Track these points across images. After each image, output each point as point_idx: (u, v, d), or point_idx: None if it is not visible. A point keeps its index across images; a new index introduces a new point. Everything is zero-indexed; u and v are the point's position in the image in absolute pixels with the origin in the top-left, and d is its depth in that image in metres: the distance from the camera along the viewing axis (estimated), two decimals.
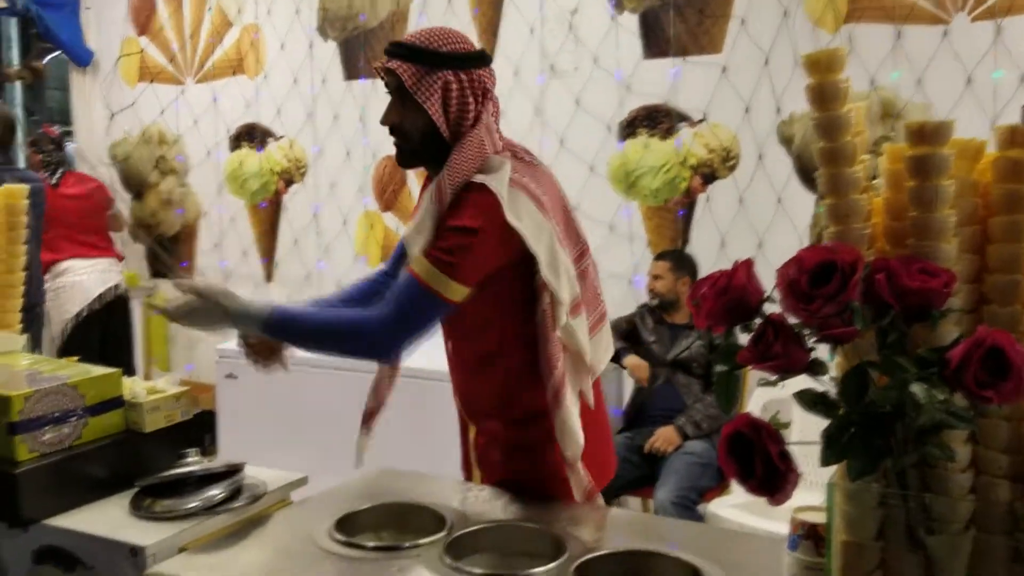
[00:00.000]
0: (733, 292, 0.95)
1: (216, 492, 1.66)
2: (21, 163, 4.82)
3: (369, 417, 1.92)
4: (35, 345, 2.59)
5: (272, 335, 1.74)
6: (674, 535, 1.65)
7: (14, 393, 1.60)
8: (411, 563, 1.50)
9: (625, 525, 1.77)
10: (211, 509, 1.63)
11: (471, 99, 1.68)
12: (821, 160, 1.05)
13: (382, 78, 1.72)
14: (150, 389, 1.81)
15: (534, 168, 1.74)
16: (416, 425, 2.92)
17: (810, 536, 1.13)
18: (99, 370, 1.77)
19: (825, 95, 1.05)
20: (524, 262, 1.67)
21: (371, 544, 1.58)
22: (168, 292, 1.80)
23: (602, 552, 1.52)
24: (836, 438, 0.95)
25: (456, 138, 1.68)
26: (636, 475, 3.27)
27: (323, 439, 2.85)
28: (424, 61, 1.66)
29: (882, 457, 0.96)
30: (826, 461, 0.96)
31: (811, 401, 0.97)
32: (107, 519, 1.61)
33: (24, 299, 2.03)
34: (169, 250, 5.04)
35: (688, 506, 3.09)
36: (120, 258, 4.77)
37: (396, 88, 1.69)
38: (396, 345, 1.71)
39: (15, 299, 1.95)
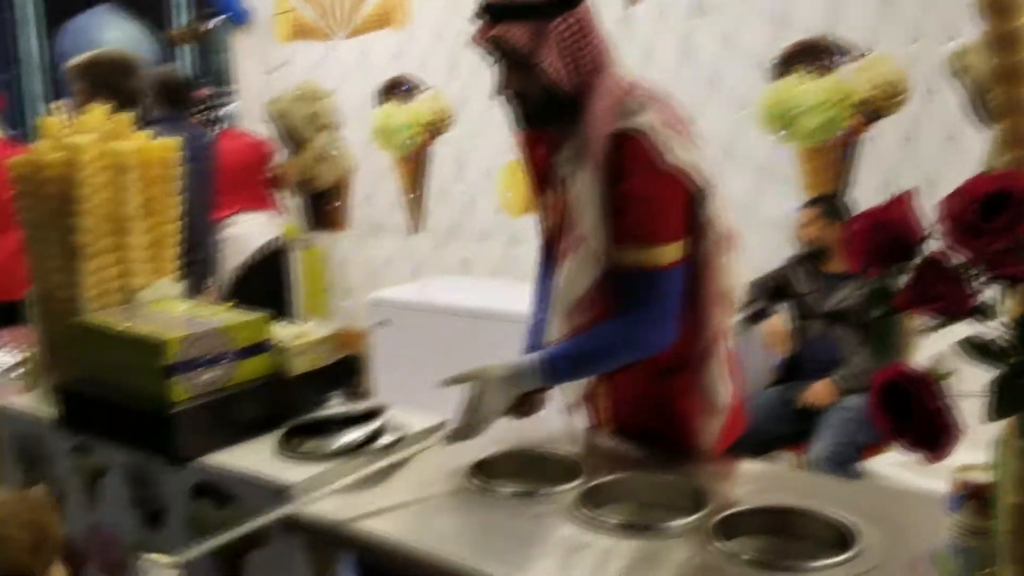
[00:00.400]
0: (889, 228, 0.86)
1: (359, 434, 1.69)
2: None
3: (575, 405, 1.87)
4: (195, 293, 2.72)
5: (549, 382, 1.70)
6: (825, 492, 1.56)
7: (170, 336, 1.68)
8: (547, 509, 1.49)
9: (772, 480, 1.69)
10: (354, 450, 1.67)
11: (583, 40, 1.58)
12: (995, 79, 0.93)
13: (486, 50, 1.61)
14: (297, 334, 1.85)
15: (663, 102, 1.65)
16: None
17: (975, 497, 1.03)
18: (249, 315, 1.82)
19: (999, 5, 0.92)
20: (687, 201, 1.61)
21: (508, 489, 1.57)
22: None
23: (746, 507, 1.45)
24: (1009, 390, 0.85)
25: (579, 88, 1.59)
26: (789, 430, 3.14)
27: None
28: (530, 16, 1.55)
29: None
30: (996, 415, 0.86)
31: (978, 349, 0.87)
32: (257, 458, 1.67)
33: (183, 248, 2.11)
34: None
35: (845, 463, 2.95)
36: (280, 211, 4.97)
37: (506, 53, 1.59)
38: (663, 333, 1.63)
39: (171, 248, 2.03)
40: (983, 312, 0.84)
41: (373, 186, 4.97)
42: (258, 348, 1.80)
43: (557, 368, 1.65)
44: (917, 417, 0.81)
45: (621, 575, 1.31)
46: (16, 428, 2.03)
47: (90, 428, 1.85)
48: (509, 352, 1.84)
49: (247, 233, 4.81)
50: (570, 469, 1.62)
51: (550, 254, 1.82)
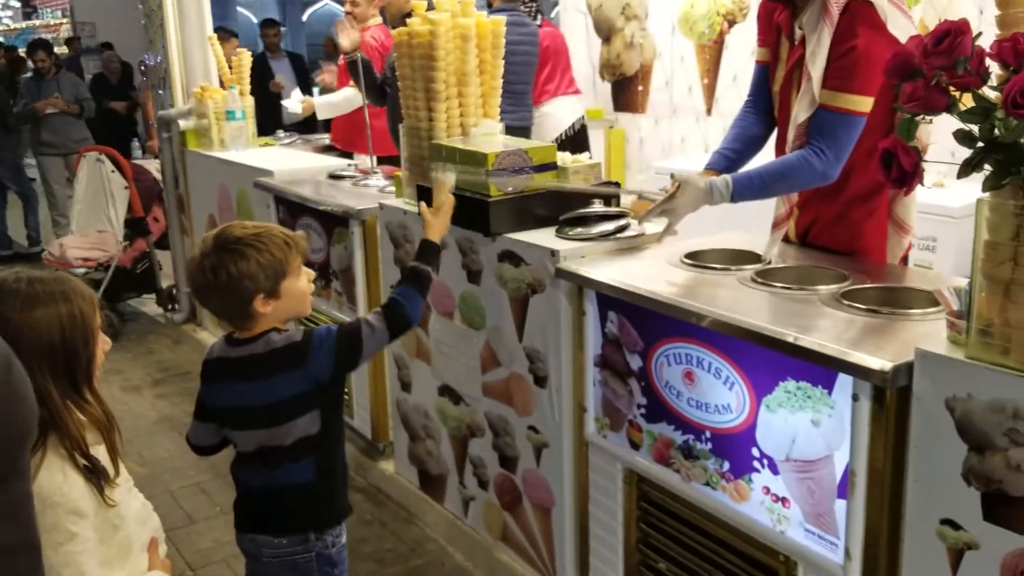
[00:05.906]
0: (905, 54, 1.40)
1: (608, 227, 2.42)
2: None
3: (779, 223, 2.34)
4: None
5: (737, 199, 2.22)
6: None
7: (490, 152, 2.49)
8: (731, 279, 2.12)
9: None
10: (605, 237, 2.40)
11: None
12: None
13: None
14: (574, 160, 2.60)
15: None
16: None
17: None
18: (543, 144, 2.60)
19: None
20: None
21: (706, 264, 2.22)
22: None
23: (855, 287, 2.00)
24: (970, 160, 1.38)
25: None
26: None
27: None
28: None
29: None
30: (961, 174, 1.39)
31: (961, 137, 1.40)
32: (540, 236, 2.45)
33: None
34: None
35: None
36: (581, 94, 5.72)
37: None
38: (837, 166, 2.15)
39: (495, 98, 2.85)
40: (950, 109, 1.36)
41: (672, 72, 5.56)
42: (548, 166, 2.57)
43: (745, 188, 2.23)
44: (895, 168, 1.37)
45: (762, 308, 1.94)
46: (390, 217, 3.00)
47: None
48: None
49: (558, 112, 5.63)
50: (755, 259, 2.24)
51: (762, 97, 2.40)
